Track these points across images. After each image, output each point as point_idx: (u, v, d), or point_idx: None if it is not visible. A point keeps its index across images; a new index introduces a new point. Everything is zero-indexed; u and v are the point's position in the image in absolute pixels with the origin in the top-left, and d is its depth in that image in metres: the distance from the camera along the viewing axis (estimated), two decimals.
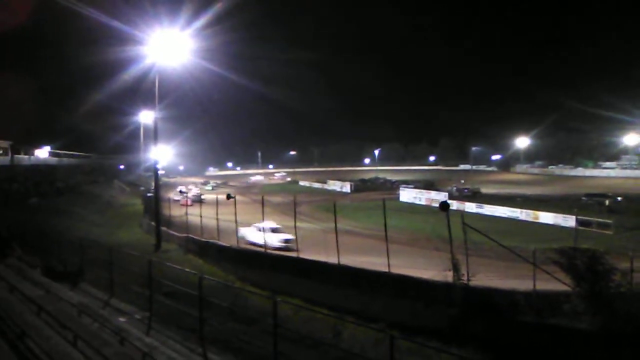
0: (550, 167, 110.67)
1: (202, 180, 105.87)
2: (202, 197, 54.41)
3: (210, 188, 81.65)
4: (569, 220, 37.49)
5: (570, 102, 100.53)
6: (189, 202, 44.73)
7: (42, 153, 73.23)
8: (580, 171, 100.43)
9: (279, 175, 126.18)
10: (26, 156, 68.19)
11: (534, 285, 13.33)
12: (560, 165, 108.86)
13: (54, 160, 77.51)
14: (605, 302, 10.78)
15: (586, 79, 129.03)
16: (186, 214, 31.67)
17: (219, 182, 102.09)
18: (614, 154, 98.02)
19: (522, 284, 14.30)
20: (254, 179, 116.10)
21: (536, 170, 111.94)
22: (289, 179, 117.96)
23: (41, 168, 67.38)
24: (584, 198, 52.20)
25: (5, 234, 22.96)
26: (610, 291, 10.91)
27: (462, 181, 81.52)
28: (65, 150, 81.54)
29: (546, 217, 42.12)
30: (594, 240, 24.30)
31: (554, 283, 12.44)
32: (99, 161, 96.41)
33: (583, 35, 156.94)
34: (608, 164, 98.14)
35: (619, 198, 49.03)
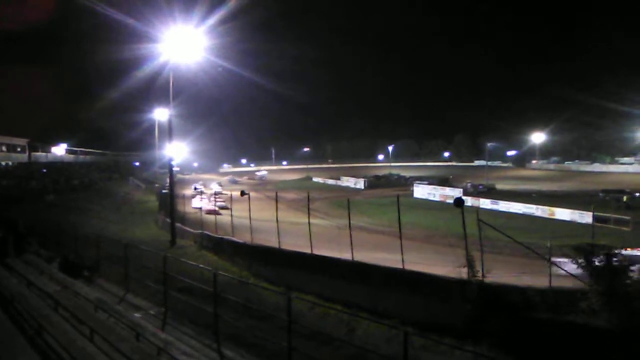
0: (567, 162, 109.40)
1: (209, 178, 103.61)
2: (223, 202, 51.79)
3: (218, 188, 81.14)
4: (585, 217, 37.08)
5: (587, 97, 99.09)
6: (216, 208, 42.66)
7: (59, 150, 74.30)
8: (597, 167, 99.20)
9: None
10: (43, 153, 69.25)
11: (550, 282, 13.20)
12: (577, 161, 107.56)
13: (70, 157, 78.59)
14: (623, 299, 10.63)
15: (604, 74, 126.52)
16: (200, 210, 31.84)
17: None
18: (632, 150, 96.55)
19: (538, 281, 14.16)
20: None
21: (552, 166, 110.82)
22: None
23: (58, 165, 68.33)
24: (601, 194, 51.71)
25: (22, 230, 23.24)
26: (628, 289, 10.75)
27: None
28: (82, 147, 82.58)
29: (562, 214, 41.72)
30: (611, 236, 23.93)
31: (570, 280, 12.30)
32: (114, 158, 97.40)
33: (600, 29, 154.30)
34: (626, 159, 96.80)
35: (637, 194, 48.43)
